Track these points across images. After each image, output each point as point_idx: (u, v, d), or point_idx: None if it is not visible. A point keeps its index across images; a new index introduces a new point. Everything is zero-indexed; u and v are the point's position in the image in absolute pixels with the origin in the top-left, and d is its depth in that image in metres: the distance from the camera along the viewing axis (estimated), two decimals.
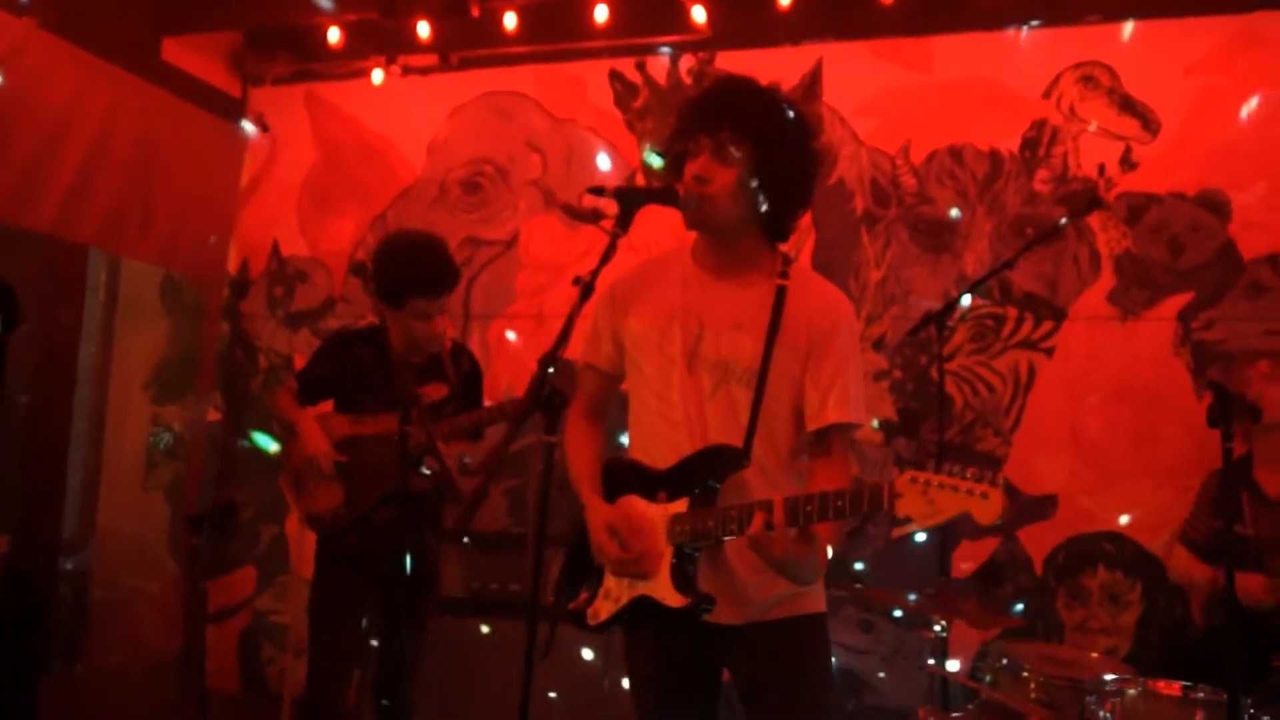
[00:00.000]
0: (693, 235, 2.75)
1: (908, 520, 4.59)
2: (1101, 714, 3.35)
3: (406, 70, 5.58)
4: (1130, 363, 4.74)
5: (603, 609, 2.68)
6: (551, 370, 2.48)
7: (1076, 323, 4.83)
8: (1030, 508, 4.77)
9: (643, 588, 2.61)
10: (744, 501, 2.47)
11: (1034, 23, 4.93)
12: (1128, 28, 4.85)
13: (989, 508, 2.15)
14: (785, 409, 2.65)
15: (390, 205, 5.63)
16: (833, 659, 4.74)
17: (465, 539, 4.84)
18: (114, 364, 5.50)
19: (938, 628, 4.02)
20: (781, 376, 2.62)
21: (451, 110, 5.63)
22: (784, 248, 2.79)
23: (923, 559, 4.70)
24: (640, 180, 5.31)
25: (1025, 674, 3.85)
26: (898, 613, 4.76)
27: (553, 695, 4.46)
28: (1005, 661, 3.95)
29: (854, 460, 4.62)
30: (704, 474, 2.58)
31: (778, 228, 2.72)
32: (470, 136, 5.60)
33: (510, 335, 5.45)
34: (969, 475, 2.16)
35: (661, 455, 2.67)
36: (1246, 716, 3.16)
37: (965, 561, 4.81)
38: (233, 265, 5.81)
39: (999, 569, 4.77)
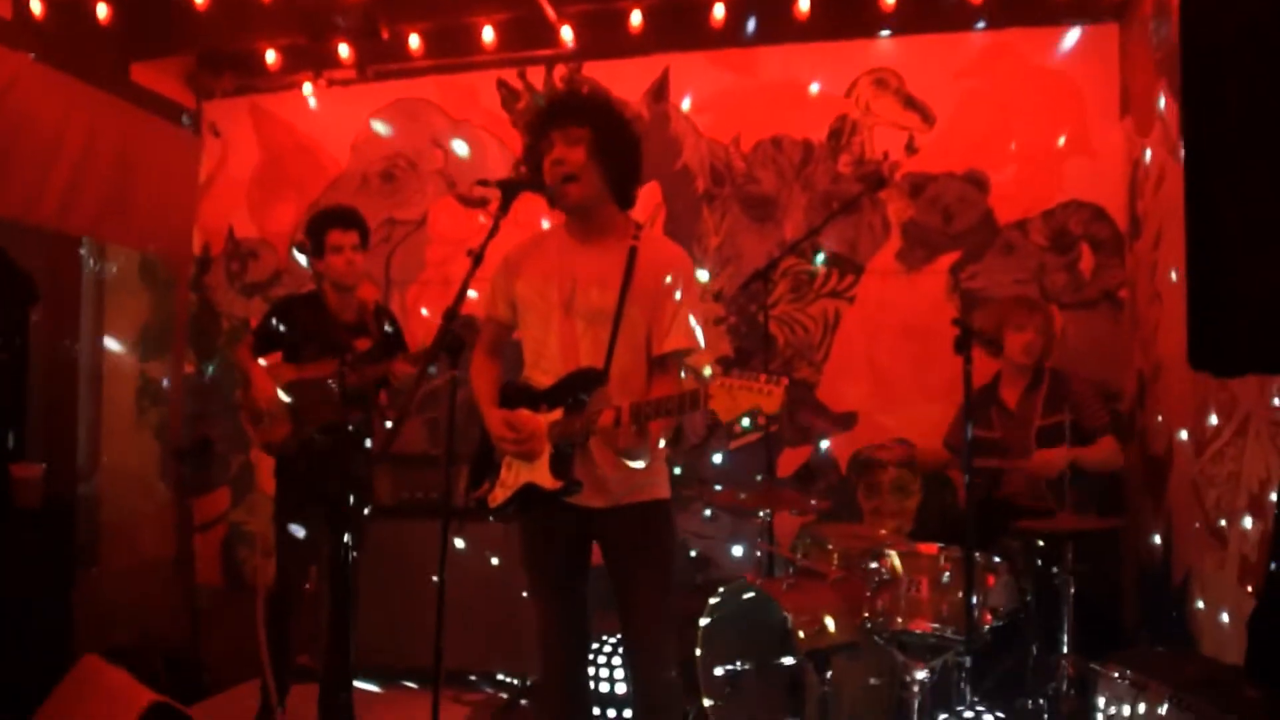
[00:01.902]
0: (562, 217, 2.94)
1: (744, 432, 4.83)
2: (880, 569, 3.59)
3: (331, 83, 5.61)
4: (913, 307, 4.95)
5: (499, 495, 2.92)
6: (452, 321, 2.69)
7: (872, 276, 5.02)
8: (837, 421, 5.02)
9: (527, 476, 2.84)
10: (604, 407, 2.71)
11: None
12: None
13: (771, 401, 2.41)
14: (637, 341, 2.87)
15: (322, 194, 5.65)
16: (682, 538, 5.01)
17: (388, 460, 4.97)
18: (106, 330, 5.51)
19: (763, 515, 4.26)
20: (633, 316, 2.85)
21: (369, 114, 5.66)
22: (641, 220, 2.98)
23: (754, 463, 4.94)
24: (525, 169, 5.40)
25: (830, 547, 4.13)
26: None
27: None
28: (814, 538, 4.23)
29: (688, 378, 4.85)
30: (574, 390, 2.81)
31: (624, 195, 2.93)
32: (385, 136, 5.64)
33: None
34: (760, 379, 2.42)
35: (546, 381, 2.89)
36: (978, 565, 3.41)
37: (787, 465, 5.03)
38: (196, 247, 5.84)
39: (812, 470, 5.01)
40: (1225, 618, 3.58)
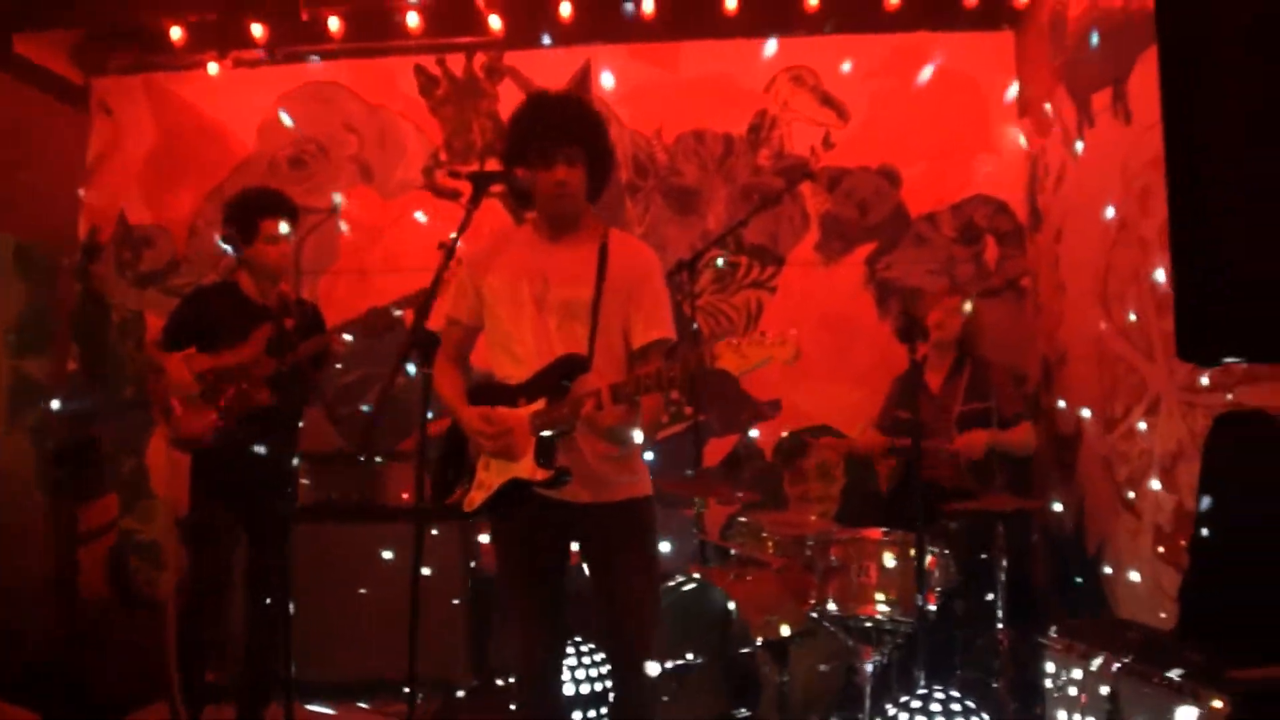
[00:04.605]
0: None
1: (671, 422, 4.72)
2: (830, 557, 3.59)
3: (238, 63, 5.26)
4: (831, 297, 5.06)
5: (477, 497, 2.81)
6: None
7: (792, 267, 5.10)
8: (761, 409, 5.05)
9: (511, 472, 2.73)
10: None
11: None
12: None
13: (785, 350, 2.36)
14: (615, 333, 2.81)
15: (226, 179, 5.29)
16: None
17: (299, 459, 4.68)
18: None
19: (698, 505, 4.23)
20: (610, 310, 2.78)
21: (277, 97, 5.33)
22: None
23: (682, 454, 4.82)
24: (445, 156, 5.27)
25: (764, 534, 4.14)
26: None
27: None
28: (748, 527, 4.24)
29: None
30: (556, 377, 2.73)
31: (595, 193, 2.90)
32: (294, 120, 5.33)
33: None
34: (768, 334, 2.38)
35: (521, 375, 2.79)
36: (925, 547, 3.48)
37: (712, 455, 5.03)
38: (82, 232, 5.37)
39: (739, 458, 5.04)
40: (1141, 585, 3.77)
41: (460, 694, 4.47)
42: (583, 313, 2.78)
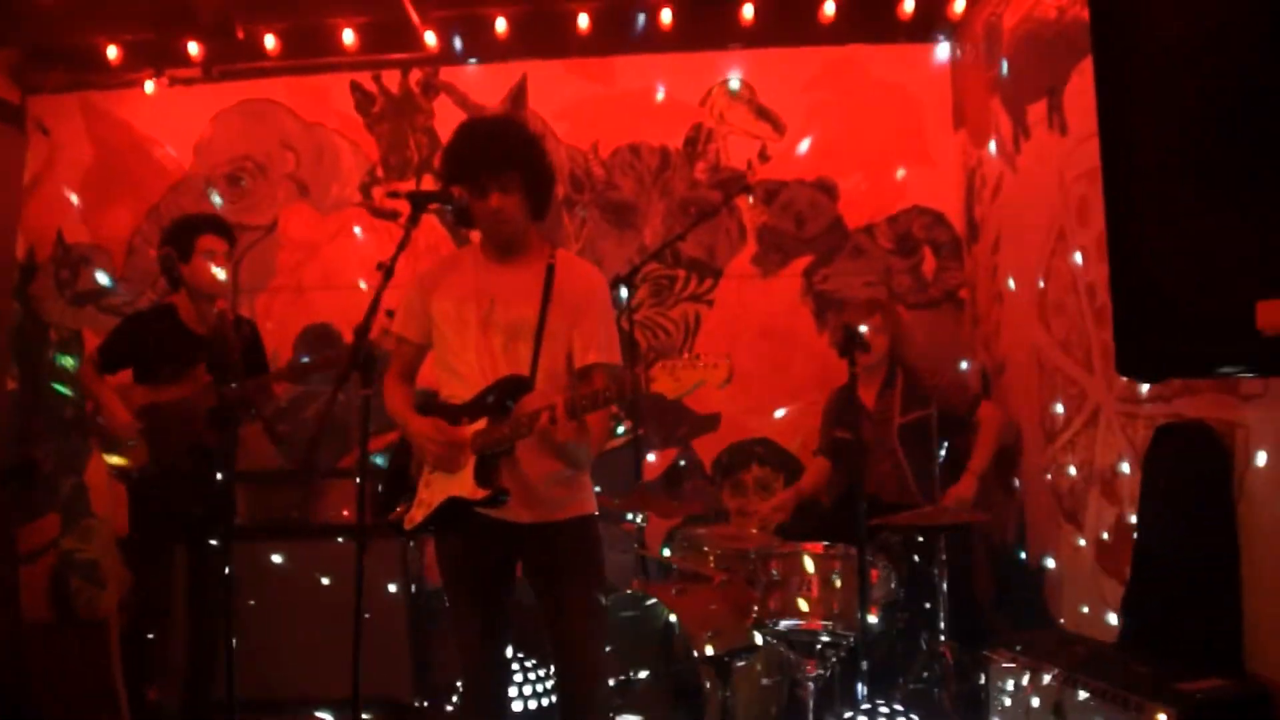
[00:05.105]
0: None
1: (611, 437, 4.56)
2: (771, 571, 3.46)
3: (173, 81, 5.02)
4: (769, 309, 4.91)
5: (417, 514, 2.72)
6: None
7: (730, 280, 4.94)
8: (701, 423, 4.89)
9: (450, 490, 2.64)
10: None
11: None
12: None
13: (718, 373, 2.34)
14: (559, 353, 2.72)
15: (163, 198, 5.06)
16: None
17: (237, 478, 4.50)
18: None
19: (638, 520, 4.06)
20: (555, 331, 2.71)
21: (213, 115, 5.10)
22: None
23: (622, 468, 4.66)
24: (381, 173, 5.06)
25: (705, 549, 4.01)
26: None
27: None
28: (688, 541, 4.10)
29: None
30: (499, 398, 2.63)
31: (539, 214, 2.82)
32: (230, 137, 5.09)
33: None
34: (701, 357, 2.36)
35: (465, 395, 2.70)
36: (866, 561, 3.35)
37: (653, 468, 4.85)
38: (20, 251, 5.11)
39: (679, 472, 4.86)
40: (1083, 596, 3.64)
41: (403, 712, 4.29)
42: (527, 333, 2.72)
